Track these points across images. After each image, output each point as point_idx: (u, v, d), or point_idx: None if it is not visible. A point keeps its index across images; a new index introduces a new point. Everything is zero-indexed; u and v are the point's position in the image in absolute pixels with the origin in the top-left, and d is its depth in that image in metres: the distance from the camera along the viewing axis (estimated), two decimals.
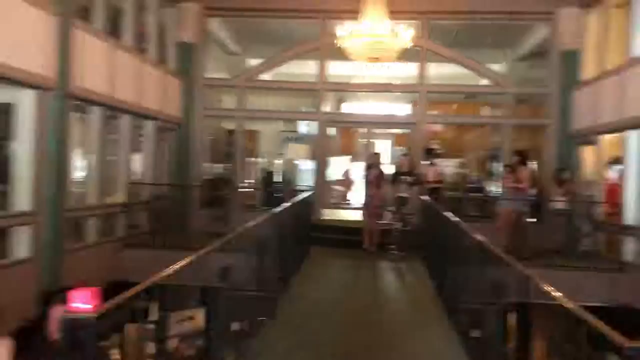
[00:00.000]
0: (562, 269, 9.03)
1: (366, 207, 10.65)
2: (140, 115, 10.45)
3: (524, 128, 13.60)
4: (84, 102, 8.77)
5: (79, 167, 9.70)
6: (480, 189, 14.70)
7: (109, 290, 2.68)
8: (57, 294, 3.62)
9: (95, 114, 9.13)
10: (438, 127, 16.63)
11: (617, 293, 8.90)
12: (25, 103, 7.49)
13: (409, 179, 10.48)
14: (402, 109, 16.15)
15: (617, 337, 2.19)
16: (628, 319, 8.42)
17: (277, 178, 16.12)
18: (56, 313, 3.52)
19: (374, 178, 10.53)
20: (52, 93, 7.66)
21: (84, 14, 9.28)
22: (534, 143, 13.68)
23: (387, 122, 14.23)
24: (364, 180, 10.95)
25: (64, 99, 7.86)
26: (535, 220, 10.61)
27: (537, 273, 3.63)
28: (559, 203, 10.46)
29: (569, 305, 2.80)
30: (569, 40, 11.48)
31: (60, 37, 7.71)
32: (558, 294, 3.06)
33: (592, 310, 2.67)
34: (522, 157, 10.56)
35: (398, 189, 10.48)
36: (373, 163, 10.89)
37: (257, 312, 5.80)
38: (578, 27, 11.37)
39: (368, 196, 10.61)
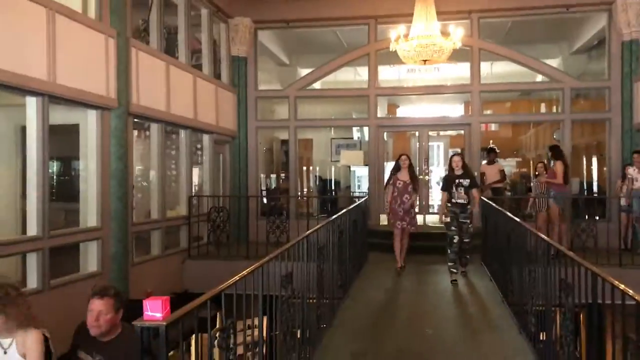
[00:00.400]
0: (631, 267, 8.71)
1: (399, 218, 8.83)
2: (197, 129, 10.72)
3: (585, 123, 13.19)
4: (144, 119, 9.07)
5: (142, 182, 10.06)
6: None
7: (175, 300, 2.76)
8: (96, 289, 3.61)
9: (155, 130, 9.43)
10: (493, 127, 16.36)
11: None
12: (89, 123, 7.82)
13: (464, 182, 8.31)
14: (456, 110, 15.93)
15: None
16: None
17: (333, 185, 16.19)
18: (92, 306, 3.51)
19: (407, 184, 8.82)
20: (114, 112, 7.98)
21: (142, 33, 9.65)
22: (596, 138, 13.26)
23: (441, 124, 14.05)
24: (391, 188, 8.97)
25: (125, 117, 8.16)
26: (597, 217, 10.29)
27: (605, 272, 3.51)
28: (623, 199, 10.09)
29: None
30: (628, 30, 11.06)
31: (120, 58, 8.03)
32: (631, 292, 2.95)
33: None
34: (556, 151, 10.35)
35: (452, 195, 8.36)
36: (401, 167, 8.97)
37: (319, 319, 5.82)
38: (639, 15, 10.95)
39: (400, 206, 8.80)
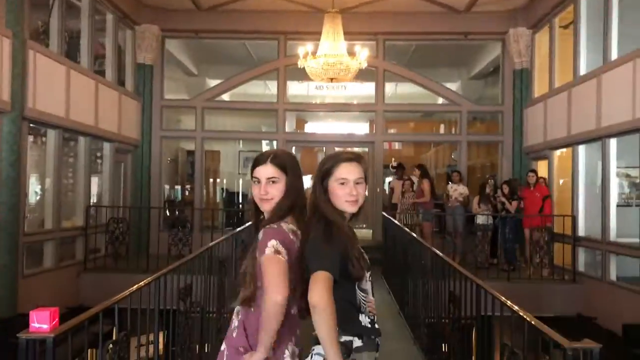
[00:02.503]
0: (517, 281, 9.31)
1: None
2: (98, 137, 10.35)
3: (480, 145, 13.98)
4: (40, 124, 8.66)
5: (36, 191, 9.56)
6: (440, 205, 15.02)
7: (69, 316, 2.67)
8: None
9: (52, 137, 9.01)
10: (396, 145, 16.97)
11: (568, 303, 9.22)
12: None
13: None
14: (362, 128, 16.39)
15: (560, 339, 2.31)
16: (581, 327, 8.72)
17: (240, 198, 16.09)
18: None
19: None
20: (7, 116, 7.56)
21: (41, 36, 9.23)
22: (490, 159, 14.07)
23: (346, 141, 14.39)
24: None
25: (19, 122, 7.75)
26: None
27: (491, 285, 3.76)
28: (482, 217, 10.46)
29: (520, 313, 2.92)
30: (519, 59, 11.89)
31: (15, 60, 7.63)
32: (509, 302, 3.18)
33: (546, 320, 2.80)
34: (422, 170, 11.04)
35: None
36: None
37: (219, 333, 5.78)
38: (528, 46, 11.81)
39: None
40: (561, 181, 10.93)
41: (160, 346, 5.37)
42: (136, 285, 3.34)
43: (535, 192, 10.14)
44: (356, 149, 16.86)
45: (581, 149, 9.74)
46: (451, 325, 4.44)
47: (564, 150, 10.62)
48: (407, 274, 7.00)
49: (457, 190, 10.98)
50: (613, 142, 8.80)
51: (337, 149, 14.20)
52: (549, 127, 10.73)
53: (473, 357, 6.80)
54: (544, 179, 10.43)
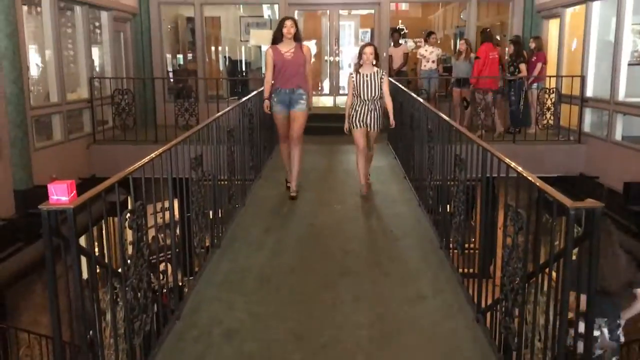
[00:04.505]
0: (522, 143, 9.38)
1: None
2: (93, 5, 9.99)
3: (490, 3, 13.41)
4: None
5: (37, 64, 9.43)
6: (449, 69, 14.78)
7: (82, 186, 2.74)
8: None
9: (47, 6, 8.70)
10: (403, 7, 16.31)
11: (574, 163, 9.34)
12: None
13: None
14: None
15: (563, 198, 2.37)
16: (583, 186, 8.92)
17: (244, 66, 15.83)
18: None
19: None
20: None
21: None
22: (500, 19, 13.57)
23: (351, 3, 13.85)
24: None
25: None
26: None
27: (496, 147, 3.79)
28: None
29: (525, 174, 2.97)
30: None
31: None
32: (514, 165, 3.22)
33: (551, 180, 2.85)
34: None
35: None
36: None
37: (231, 200, 5.97)
38: None
39: None
40: (574, 45, 10.57)
41: (176, 212, 5.58)
42: (148, 157, 3.39)
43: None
44: (362, 12, 16.26)
45: (595, 5, 9.34)
46: (456, 188, 4.54)
47: (577, 7, 10.20)
48: (413, 139, 7.06)
49: (433, 53, 10.89)
50: None
51: (341, 12, 13.71)
52: None
53: (477, 217, 7.06)
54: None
